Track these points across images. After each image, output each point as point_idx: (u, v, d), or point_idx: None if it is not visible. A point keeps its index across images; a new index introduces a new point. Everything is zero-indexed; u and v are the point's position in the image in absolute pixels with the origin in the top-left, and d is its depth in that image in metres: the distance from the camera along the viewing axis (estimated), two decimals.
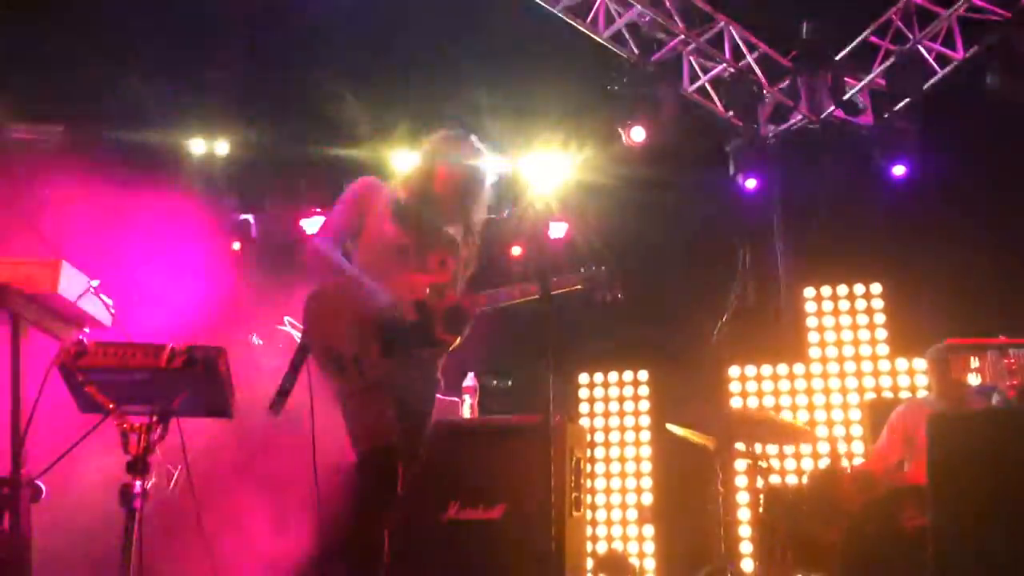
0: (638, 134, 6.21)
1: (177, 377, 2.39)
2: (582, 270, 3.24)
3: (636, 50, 6.26)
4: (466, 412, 4.58)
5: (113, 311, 3.06)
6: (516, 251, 5.98)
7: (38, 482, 2.68)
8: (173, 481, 3.70)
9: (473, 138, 3.25)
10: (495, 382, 5.35)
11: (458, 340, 3.13)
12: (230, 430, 3.34)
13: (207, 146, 6.49)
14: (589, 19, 6.18)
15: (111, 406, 2.36)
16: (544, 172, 6.31)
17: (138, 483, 2.31)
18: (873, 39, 6.31)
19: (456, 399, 4.56)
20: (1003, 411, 2.42)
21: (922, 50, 6.11)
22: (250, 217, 6.51)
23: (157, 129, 6.20)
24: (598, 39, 6.18)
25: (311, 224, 6.32)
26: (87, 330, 3.01)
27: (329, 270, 3.08)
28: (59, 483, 2.81)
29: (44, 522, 2.78)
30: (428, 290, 3.08)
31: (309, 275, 3.14)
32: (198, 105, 6.24)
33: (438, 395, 3.27)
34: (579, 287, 3.22)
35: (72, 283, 2.86)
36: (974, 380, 4.75)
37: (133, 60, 5.59)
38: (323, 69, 5.83)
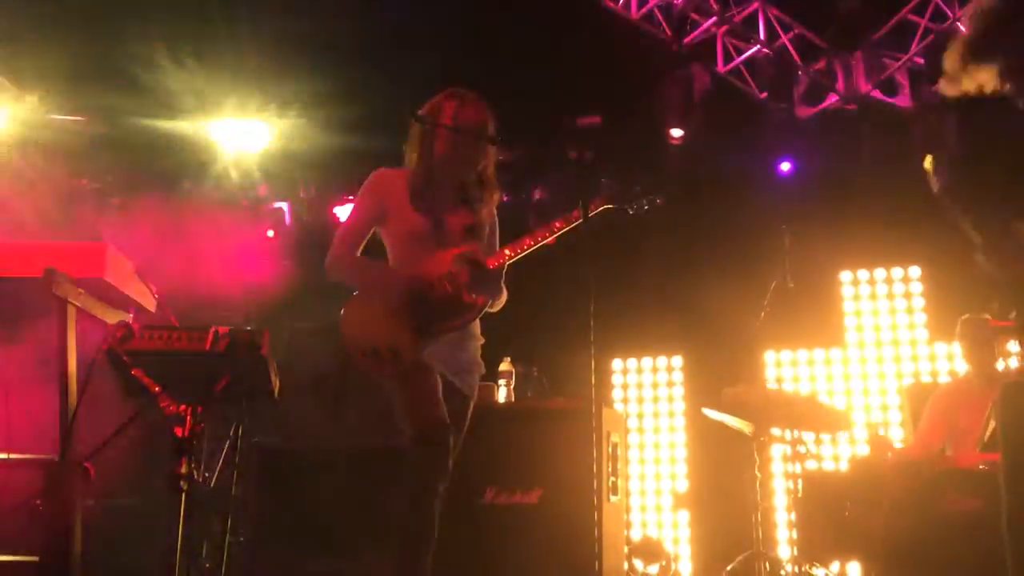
0: (676, 133, 6.20)
1: (221, 360, 2.41)
2: (611, 188, 3.19)
3: (668, 31, 6.20)
4: (502, 397, 4.58)
5: (156, 295, 3.09)
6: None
7: (85, 464, 2.72)
8: (216, 472, 3.74)
9: (460, 90, 3.20)
10: (531, 368, 5.34)
11: (491, 302, 3.12)
12: None
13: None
14: (621, 1, 6.13)
15: (157, 389, 2.38)
16: (575, 153, 6.28)
17: (184, 467, 2.34)
18: (911, 17, 6.19)
19: (492, 384, 4.55)
20: None
21: (962, 28, 5.98)
22: (284, 205, 6.54)
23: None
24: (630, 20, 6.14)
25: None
26: (131, 314, 3.04)
27: (349, 275, 3.12)
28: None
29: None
30: (454, 262, 3.06)
31: (337, 281, 3.15)
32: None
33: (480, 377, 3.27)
34: (612, 205, 3.19)
35: (117, 268, 2.88)
36: (1013, 363, 4.69)
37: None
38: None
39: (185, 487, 2.32)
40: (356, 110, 5.73)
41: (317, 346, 4.06)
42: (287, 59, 5.67)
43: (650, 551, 5.31)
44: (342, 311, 3.08)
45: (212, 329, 2.41)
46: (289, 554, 3.84)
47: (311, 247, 5.55)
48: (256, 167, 6.43)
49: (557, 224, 3.11)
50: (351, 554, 3.63)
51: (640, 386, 6.10)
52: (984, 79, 2.52)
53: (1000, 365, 4.49)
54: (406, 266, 3.10)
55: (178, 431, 2.35)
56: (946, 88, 2.71)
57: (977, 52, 2.49)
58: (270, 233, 6.37)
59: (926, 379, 5.50)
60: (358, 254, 3.17)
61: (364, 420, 3.19)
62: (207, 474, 3.49)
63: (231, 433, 3.30)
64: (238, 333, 2.42)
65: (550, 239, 3.12)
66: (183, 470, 2.32)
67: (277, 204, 6.48)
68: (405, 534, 2.85)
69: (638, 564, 5.21)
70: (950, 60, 2.58)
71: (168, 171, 6.25)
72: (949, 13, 5.99)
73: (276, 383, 2.67)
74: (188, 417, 2.36)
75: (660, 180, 3.23)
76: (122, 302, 3.00)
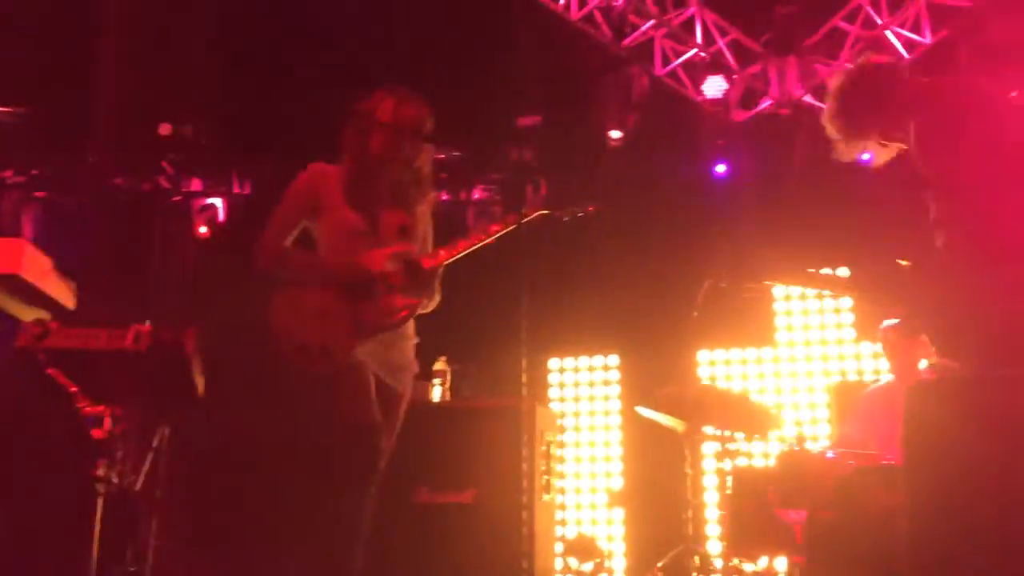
0: (615, 134, 6.25)
1: (143, 360, 2.36)
2: (546, 195, 3.22)
3: (608, 33, 6.25)
4: (436, 396, 4.57)
5: (76, 293, 3.01)
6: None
7: None
8: (142, 473, 3.66)
9: (396, 88, 3.19)
10: (466, 366, 5.34)
11: (425, 302, 3.11)
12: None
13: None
14: (562, 1, 6.17)
15: (74, 389, 2.32)
16: (517, 152, 6.29)
17: (102, 469, 2.28)
18: (843, 24, 6.34)
19: (426, 383, 4.54)
20: (983, 377, 2.43)
21: (890, 35, 6.15)
22: (218, 201, 6.42)
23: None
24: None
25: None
26: (49, 313, 2.95)
27: (285, 266, 3.07)
28: None
29: None
30: (388, 261, 3.05)
31: (268, 277, 3.11)
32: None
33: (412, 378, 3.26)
34: (547, 211, 3.21)
35: (35, 264, 2.80)
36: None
37: None
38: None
39: (102, 490, 2.27)
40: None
41: (246, 343, 4.00)
42: None
43: (584, 549, 5.35)
44: (271, 304, 3.03)
45: (133, 327, 2.35)
46: (217, 557, 3.78)
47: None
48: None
49: (493, 228, 3.13)
50: (281, 556, 3.59)
51: (577, 385, 6.14)
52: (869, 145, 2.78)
53: (922, 367, 4.62)
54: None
55: (96, 432, 2.30)
56: (843, 155, 2.95)
57: (852, 135, 2.89)
58: (203, 229, 6.25)
59: (852, 378, 5.65)
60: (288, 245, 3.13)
61: (293, 419, 3.16)
62: (133, 477, 3.41)
63: (157, 434, 3.23)
64: (160, 331, 2.36)
65: (486, 242, 3.14)
66: (101, 472, 2.27)
67: (210, 200, 6.36)
68: (335, 535, 2.83)
69: (572, 562, 5.25)
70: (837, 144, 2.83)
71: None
72: (878, 20, 6.15)
73: (201, 383, 2.62)
74: (107, 418, 2.31)
75: (595, 188, 3.28)
76: (40, 300, 2.92)
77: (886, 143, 2.93)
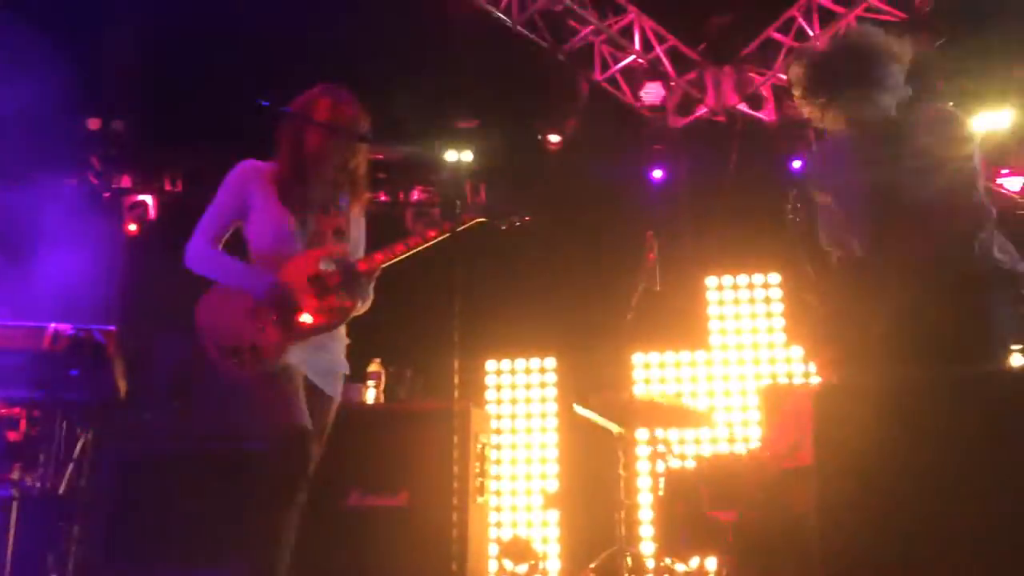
0: (554, 139, 6.29)
1: (62, 360, 2.29)
2: (484, 202, 3.23)
3: (549, 38, 6.29)
4: (370, 398, 4.54)
5: None
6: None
7: None
8: (66, 479, 3.55)
9: (333, 87, 3.16)
10: (403, 369, 5.31)
11: (359, 305, 3.08)
12: None
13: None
14: (503, 5, 6.18)
15: None
16: (455, 155, 6.30)
17: (16, 472, 2.21)
18: (777, 36, 6.48)
19: (360, 385, 4.50)
20: (894, 380, 2.52)
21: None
22: (148, 198, 6.29)
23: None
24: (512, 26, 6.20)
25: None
26: None
27: (210, 269, 3.02)
28: None
29: None
30: (321, 262, 3.01)
31: (197, 275, 3.05)
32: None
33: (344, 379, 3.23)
34: (482, 219, 3.22)
35: None
36: None
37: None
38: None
39: (17, 494, 2.20)
40: None
41: (174, 345, 3.92)
42: None
43: (519, 551, 5.36)
44: (199, 305, 2.97)
45: (51, 327, 2.28)
46: (140, 564, 3.69)
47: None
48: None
49: (430, 233, 3.11)
50: (205, 564, 3.52)
51: (514, 387, 6.15)
52: (812, 113, 2.82)
53: None
54: (270, 264, 3.02)
55: (11, 435, 2.22)
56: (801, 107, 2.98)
57: (808, 91, 2.86)
58: (132, 227, 6.11)
59: (783, 380, 5.77)
60: (219, 248, 3.08)
61: (220, 424, 3.10)
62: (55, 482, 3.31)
63: (80, 438, 3.14)
64: (81, 332, 2.30)
65: (423, 247, 3.13)
66: (15, 476, 2.20)
67: (141, 197, 6.22)
68: (259, 543, 2.78)
69: (508, 564, 5.25)
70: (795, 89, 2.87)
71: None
72: (810, 32, 6.30)
73: (123, 385, 2.55)
74: (22, 420, 2.24)
75: (533, 195, 3.30)
76: None
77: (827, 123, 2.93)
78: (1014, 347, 4.29)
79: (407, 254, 3.13)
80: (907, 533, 1.98)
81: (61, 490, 3.40)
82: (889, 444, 2.04)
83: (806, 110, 2.93)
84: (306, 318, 2.96)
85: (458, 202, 3.10)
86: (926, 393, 2.08)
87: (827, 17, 6.28)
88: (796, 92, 2.96)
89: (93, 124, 6.23)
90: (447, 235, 3.08)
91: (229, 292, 2.99)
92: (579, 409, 4.62)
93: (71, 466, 3.48)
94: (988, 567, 1.89)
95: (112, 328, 2.32)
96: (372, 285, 3.12)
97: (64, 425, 2.87)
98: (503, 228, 3.27)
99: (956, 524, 1.93)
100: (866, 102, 2.81)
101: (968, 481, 1.95)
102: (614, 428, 4.52)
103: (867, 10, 6.11)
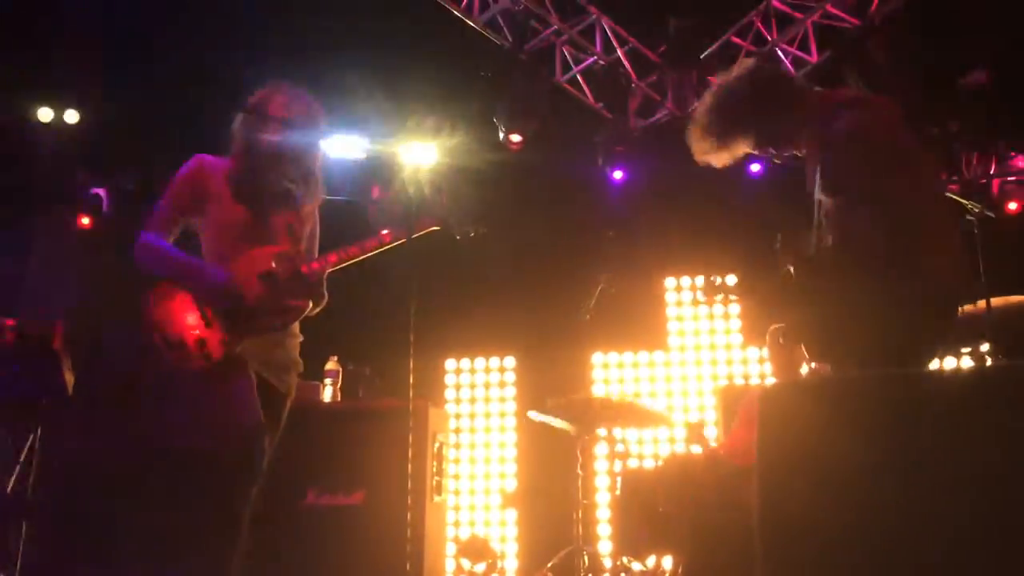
0: (516, 138, 6.28)
1: (6, 355, 2.24)
2: (443, 208, 3.22)
3: (510, 38, 6.29)
4: (327, 396, 4.50)
5: None
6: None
7: None
8: (12, 480, 3.48)
9: (289, 84, 3.14)
10: (361, 367, 5.27)
11: (311, 305, 3.06)
12: None
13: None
14: (464, 3, 6.17)
15: None
16: (416, 155, 6.26)
17: None
18: (735, 40, 6.55)
19: (317, 383, 4.46)
20: (834, 380, 2.57)
21: (780, 53, 6.39)
22: (102, 192, 6.17)
23: None
24: (473, 24, 6.19)
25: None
26: None
27: (159, 264, 2.97)
28: None
29: None
30: (274, 260, 2.99)
31: (145, 272, 3.00)
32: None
33: (298, 377, 3.20)
34: (438, 227, 3.21)
35: None
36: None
37: None
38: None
39: None
40: None
41: (123, 340, 3.85)
42: None
43: (477, 550, 5.35)
44: (148, 297, 2.92)
45: None
46: (90, 563, 3.62)
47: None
48: None
49: (385, 236, 3.10)
50: (157, 562, 3.46)
51: (473, 386, 6.15)
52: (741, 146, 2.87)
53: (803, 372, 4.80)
54: (222, 260, 2.98)
55: None
56: (712, 159, 3.02)
57: (733, 128, 2.95)
58: (85, 220, 5.99)
59: (739, 381, 5.84)
60: (171, 241, 3.03)
61: (169, 420, 3.05)
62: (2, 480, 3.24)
63: (29, 435, 3.08)
64: (26, 325, 2.25)
65: (378, 250, 3.12)
66: None
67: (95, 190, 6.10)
68: (212, 541, 2.75)
69: (465, 563, 5.24)
70: (704, 142, 2.90)
71: None
72: (768, 37, 6.38)
73: (70, 380, 2.50)
74: None
75: (490, 208, 3.31)
76: None
77: (758, 151, 3.01)
78: (963, 350, 4.39)
79: (362, 257, 3.12)
80: (847, 531, 2.01)
81: (8, 489, 3.33)
82: (833, 444, 2.07)
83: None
84: (255, 315, 2.93)
85: (415, 207, 3.09)
86: (871, 393, 2.11)
87: (784, 22, 6.36)
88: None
89: (46, 116, 6.11)
90: (402, 241, 3.08)
91: (174, 284, 2.94)
92: (534, 415, 4.64)
93: (18, 466, 3.42)
94: (926, 565, 1.92)
95: (57, 323, 2.26)
96: (324, 285, 3.11)
97: (12, 421, 2.80)
98: (458, 238, 3.27)
99: (899, 524, 1.96)
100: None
101: (914, 482, 1.98)
102: (570, 429, 4.53)
103: (823, 16, 6.20)
